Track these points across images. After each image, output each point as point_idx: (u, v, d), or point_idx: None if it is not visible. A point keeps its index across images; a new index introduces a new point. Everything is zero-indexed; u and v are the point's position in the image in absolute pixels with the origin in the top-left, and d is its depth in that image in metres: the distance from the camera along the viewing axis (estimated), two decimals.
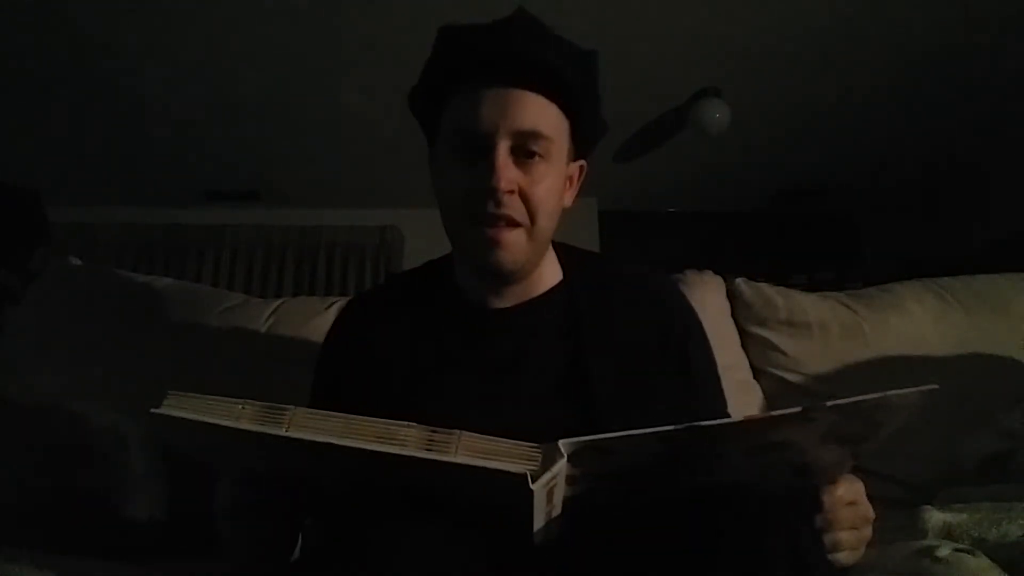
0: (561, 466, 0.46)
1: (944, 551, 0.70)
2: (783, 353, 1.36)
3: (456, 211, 0.77)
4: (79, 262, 1.51)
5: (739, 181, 3.63)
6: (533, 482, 0.44)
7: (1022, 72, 2.62)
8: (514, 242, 0.76)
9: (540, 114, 0.75)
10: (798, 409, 0.47)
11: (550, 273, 0.88)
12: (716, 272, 1.48)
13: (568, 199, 0.87)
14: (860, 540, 0.61)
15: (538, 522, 0.49)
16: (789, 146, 3.25)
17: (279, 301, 1.41)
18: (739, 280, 1.47)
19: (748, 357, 1.40)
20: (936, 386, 0.49)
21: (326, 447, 0.46)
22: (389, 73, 2.60)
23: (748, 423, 0.48)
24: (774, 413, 0.48)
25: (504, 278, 0.80)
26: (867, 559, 0.65)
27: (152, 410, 0.48)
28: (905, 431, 1.35)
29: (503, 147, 0.73)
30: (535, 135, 0.74)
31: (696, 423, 0.46)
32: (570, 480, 0.49)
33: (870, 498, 0.63)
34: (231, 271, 3.67)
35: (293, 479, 0.58)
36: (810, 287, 1.51)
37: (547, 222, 0.78)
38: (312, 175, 3.44)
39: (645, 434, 0.46)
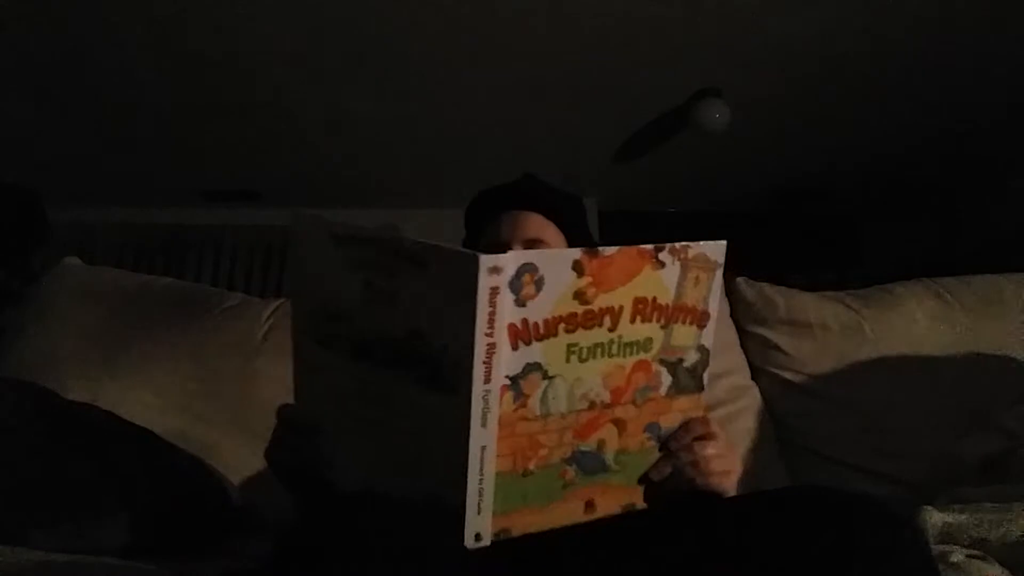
0: (507, 263, 0.52)
1: (957, 556, 0.70)
2: (783, 352, 1.36)
3: None
4: (79, 262, 1.51)
5: (739, 181, 3.63)
6: (479, 257, 0.50)
7: (1022, 71, 2.62)
8: None
9: (541, 228, 1.05)
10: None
11: None
12: None
13: None
14: (729, 466, 0.68)
15: (480, 330, 0.52)
16: (789, 146, 3.25)
17: (279, 301, 1.41)
18: (739, 279, 1.47)
19: (748, 356, 1.40)
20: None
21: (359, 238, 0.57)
22: (390, 73, 2.61)
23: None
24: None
25: None
26: None
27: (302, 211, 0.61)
28: (905, 431, 1.35)
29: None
30: (538, 242, 1.03)
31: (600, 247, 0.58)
32: (512, 331, 0.55)
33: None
34: (231, 271, 3.68)
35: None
36: (810, 287, 1.51)
37: None
38: (312, 175, 3.44)
39: (567, 252, 0.56)
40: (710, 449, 0.66)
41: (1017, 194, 3.31)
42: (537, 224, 1.06)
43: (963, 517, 0.80)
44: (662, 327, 0.62)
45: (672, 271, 0.62)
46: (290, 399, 0.67)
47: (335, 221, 0.58)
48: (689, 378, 0.66)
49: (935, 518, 0.81)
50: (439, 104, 2.82)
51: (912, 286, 1.44)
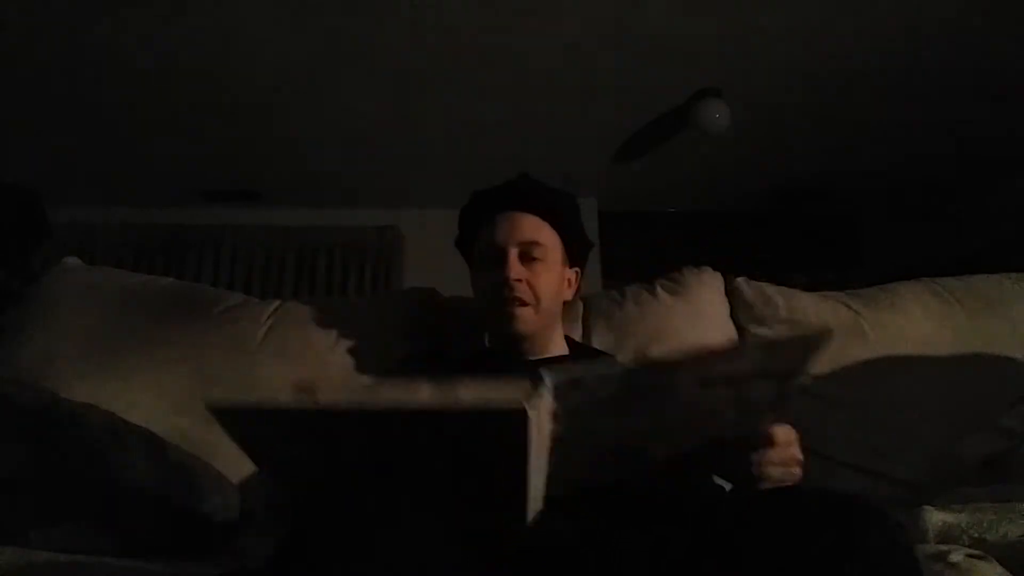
0: (547, 389, 0.50)
1: (957, 556, 0.69)
2: None
3: (487, 297, 1.09)
4: (79, 262, 1.51)
5: (739, 181, 3.63)
6: (527, 409, 0.46)
7: (1022, 72, 2.62)
8: (524, 315, 1.06)
9: (537, 229, 1.08)
10: (733, 344, 0.58)
11: (557, 348, 1.14)
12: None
13: (568, 294, 1.18)
14: (787, 476, 0.69)
15: (534, 459, 0.49)
16: (789, 146, 3.25)
17: (279, 301, 1.41)
18: (739, 279, 1.47)
19: None
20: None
21: (351, 413, 0.49)
22: (389, 73, 2.61)
23: (693, 354, 0.56)
24: (711, 348, 0.57)
25: (520, 340, 1.09)
26: None
27: (207, 401, 0.50)
28: (905, 431, 1.34)
29: (513, 252, 1.06)
30: (534, 243, 1.07)
31: (651, 358, 0.55)
32: (553, 418, 0.53)
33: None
34: (231, 271, 3.67)
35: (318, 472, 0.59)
36: (810, 287, 1.50)
37: (549, 303, 1.09)
38: (312, 175, 3.44)
39: (610, 365, 0.54)
40: (766, 456, 0.66)
41: (1017, 194, 3.31)
42: (533, 225, 1.09)
43: (963, 517, 0.80)
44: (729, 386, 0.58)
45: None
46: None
47: (279, 408, 0.50)
48: (757, 406, 0.63)
49: (935, 518, 0.81)
50: (439, 104, 2.83)
51: (912, 286, 1.44)
